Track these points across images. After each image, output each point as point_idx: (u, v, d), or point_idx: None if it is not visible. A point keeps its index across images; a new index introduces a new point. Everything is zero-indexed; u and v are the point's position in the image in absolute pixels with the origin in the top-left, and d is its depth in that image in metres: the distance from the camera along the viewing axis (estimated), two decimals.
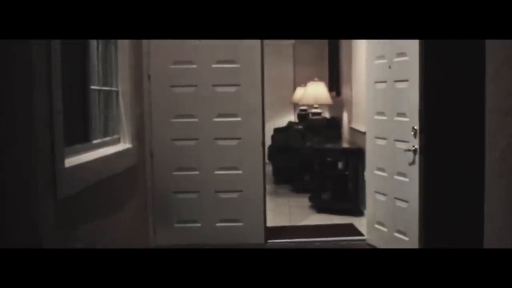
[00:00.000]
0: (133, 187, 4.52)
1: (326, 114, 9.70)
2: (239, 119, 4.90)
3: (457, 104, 3.84)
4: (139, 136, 4.71)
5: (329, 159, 6.51)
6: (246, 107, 4.89)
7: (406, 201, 4.22)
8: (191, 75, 4.88)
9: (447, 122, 3.94)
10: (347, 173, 6.45)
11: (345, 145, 6.66)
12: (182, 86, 4.90)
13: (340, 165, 6.64)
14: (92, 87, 3.86)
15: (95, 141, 3.82)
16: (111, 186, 3.81)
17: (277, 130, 9.68)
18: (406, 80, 4.17)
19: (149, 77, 4.88)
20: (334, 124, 8.29)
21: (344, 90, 7.90)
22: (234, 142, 4.92)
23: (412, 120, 4.08)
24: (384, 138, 4.54)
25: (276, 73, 10.71)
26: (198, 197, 4.95)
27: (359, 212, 6.03)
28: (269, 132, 10.40)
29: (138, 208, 4.61)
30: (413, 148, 4.06)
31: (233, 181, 4.93)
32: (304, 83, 9.53)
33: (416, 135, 4.03)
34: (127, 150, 4.31)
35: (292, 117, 10.77)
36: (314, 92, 7.38)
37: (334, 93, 8.42)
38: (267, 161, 9.24)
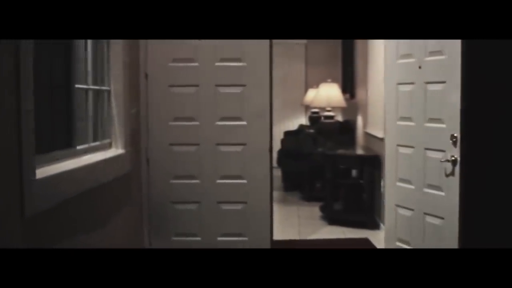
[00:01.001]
0: (126, 197, 4.08)
1: (339, 118, 9.23)
2: (244, 122, 4.44)
3: (503, 109, 3.38)
4: (134, 140, 4.27)
5: (342, 166, 6.03)
6: (252, 109, 4.43)
7: (441, 218, 3.73)
8: (192, 74, 4.43)
9: (491, 129, 3.46)
10: (361, 181, 5.97)
11: (359, 151, 6.19)
12: (182, 86, 4.45)
13: (354, 173, 6.17)
14: (78, 85, 3.43)
15: (80, 147, 3.38)
16: (98, 197, 3.37)
17: (287, 134, 9.23)
18: (443, 82, 3.68)
19: (146, 75, 4.44)
20: (348, 128, 7.81)
21: (359, 92, 7.42)
22: (239, 148, 4.46)
23: (451, 126, 3.60)
24: (411, 146, 4.06)
25: (287, 73, 10.29)
26: (198, 208, 4.50)
27: (374, 225, 5.55)
28: (278, 136, 9.95)
29: (131, 220, 4.16)
30: (452, 159, 3.58)
31: (237, 191, 4.47)
32: (316, 84, 9.11)
33: (456, 144, 3.55)
34: (119, 156, 3.87)
35: (304, 120, 10.32)
36: (327, 94, 6.91)
37: (348, 95, 7.95)
38: (275, 165, 8.83)
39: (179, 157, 4.48)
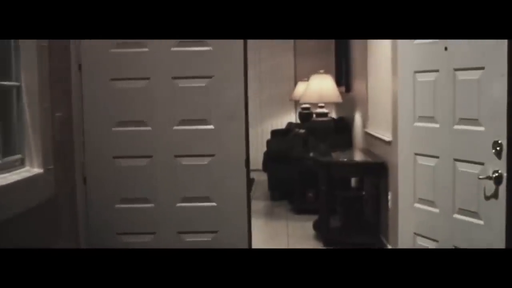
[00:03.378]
0: (52, 232, 2.99)
1: (333, 114, 8.16)
2: (211, 127, 3.35)
3: None
4: (62, 154, 3.17)
5: (338, 175, 4.95)
6: (222, 109, 3.34)
7: None
8: (141, 63, 3.34)
9: None
10: (363, 193, 4.90)
11: (359, 156, 5.10)
12: (128, 79, 3.35)
13: (353, 181, 5.10)
14: None
15: None
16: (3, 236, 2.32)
17: (274, 134, 8.17)
18: (480, 68, 2.63)
19: (79, 66, 3.34)
20: (343, 127, 6.74)
21: (356, 85, 6.34)
22: (205, 161, 3.37)
23: (493, 130, 2.56)
24: (434, 156, 3.00)
25: (273, 65, 9.24)
26: (153, 241, 3.40)
27: None
28: (265, 136, 8.90)
29: None
30: (495, 175, 2.52)
31: (204, 218, 3.39)
32: (306, 77, 8.07)
33: (500, 154, 2.49)
34: (34, 177, 2.79)
35: (293, 117, 9.24)
36: (319, 88, 5.81)
37: (343, 89, 6.86)
38: (260, 170, 7.74)
39: (127, 173, 3.39)
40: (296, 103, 8.89)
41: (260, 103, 9.32)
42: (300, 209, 6.10)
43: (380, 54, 4.68)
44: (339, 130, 6.37)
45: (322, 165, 4.70)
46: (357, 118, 6.23)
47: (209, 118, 3.35)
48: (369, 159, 4.64)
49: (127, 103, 3.36)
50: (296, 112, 9.13)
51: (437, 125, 2.96)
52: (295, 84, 8.90)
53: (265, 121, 9.33)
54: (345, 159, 4.77)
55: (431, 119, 3.00)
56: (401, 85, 3.30)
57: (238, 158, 3.36)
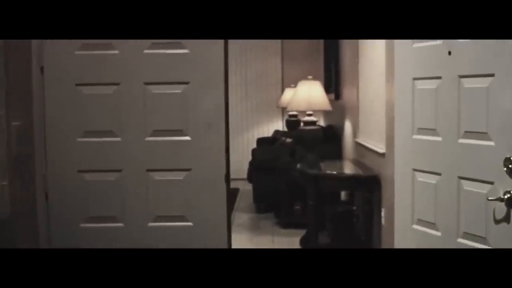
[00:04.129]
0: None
1: (321, 122, 7.87)
2: (187, 138, 3.02)
3: None
4: (20, 167, 2.83)
5: (327, 189, 4.63)
6: (200, 118, 3.01)
7: None
8: (110, 67, 3.00)
9: None
10: (354, 208, 4.59)
11: (349, 169, 4.79)
12: (96, 84, 3.01)
13: (343, 195, 4.79)
14: None
15: None
16: None
17: (260, 142, 7.86)
18: (489, 75, 2.33)
19: (41, 69, 3.00)
20: (332, 135, 6.44)
21: (346, 92, 6.05)
22: (180, 176, 3.03)
23: (504, 144, 2.26)
24: (435, 173, 2.69)
25: (260, 69, 8.95)
26: None
27: None
28: (251, 144, 8.59)
29: None
30: (507, 196, 2.22)
31: (179, 239, 3.04)
32: (294, 83, 7.79)
33: None
34: None
35: (280, 125, 8.93)
36: (307, 95, 5.50)
37: (332, 96, 6.57)
38: (245, 179, 7.41)
39: (93, 189, 3.04)
40: (283, 110, 8.59)
41: (246, 109, 9.01)
42: (286, 223, 5.78)
43: (373, 58, 4.39)
44: (328, 139, 6.07)
45: (310, 178, 4.38)
46: (347, 127, 5.93)
47: (185, 129, 3.01)
48: (361, 172, 4.33)
49: (95, 111, 3.02)
50: (283, 119, 8.83)
51: (439, 139, 2.65)
52: (282, 90, 8.60)
53: (251, 129, 9.02)
54: (335, 172, 4.45)
55: (432, 131, 2.69)
56: (398, 93, 2.98)
57: (218, 173, 3.03)
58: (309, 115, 5.67)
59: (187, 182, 3.02)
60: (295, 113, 7.27)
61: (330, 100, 5.88)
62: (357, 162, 4.87)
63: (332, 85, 6.82)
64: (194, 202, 3.03)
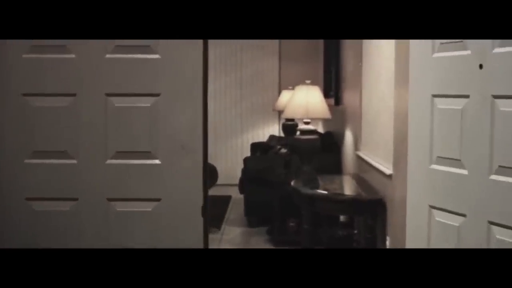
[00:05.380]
0: None
1: (319, 128, 7.36)
2: (156, 161, 2.50)
3: None
4: None
5: (324, 212, 4.10)
6: (173, 138, 2.50)
7: None
8: (64, 74, 2.49)
9: None
10: (355, 232, 4.08)
11: (350, 188, 4.26)
12: (47, 95, 2.50)
13: (341, 218, 4.29)
14: None
15: None
16: None
17: (254, 147, 7.34)
18: None
19: None
20: (331, 144, 5.92)
21: (348, 97, 5.54)
22: (148, 207, 2.52)
23: None
24: (459, 214, 2.19)
25: (256, 70, 8.46)
26: None
27: None
28: (245, 149, 8.09)
29: None
30: None
31: None
32: (291, 85, 7.30)
33: None
34: None
35: (276, 128, 8.42)
36: (305, 101, 4.99)
37: (331, 101, 6.06)
38: (231, 186, 6.89)
39: (44, 221, 2.53)
40: (280, 113, 8.08)
41: (241, 112, 8.50)
42: (279, 240, 5.27)
43: (379, 62, 3.87)
44: (326, 148, 5.56)
45: (305, 198, 3.86)
46: (348, 137, 5.41)
47: (154, 150, 2.50)
48: (363, 194, 3.81)
49: (46, 127, 2.50)
50: (279, 123, 8.32)
51: (465, 172, 2.14)
52: (279, 92, 8.08)
53: (245, 132, 8.51)
54: (334, 192, 3.93)
55: (456, 162, 2.18)
56: (413, 110, 2.47)
57: (193, 204, 2.51)
58: (307, 123, 5.16)
59: (156, 214, 2.50)
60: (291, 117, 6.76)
61: (330, 106, 5.37)
62: (358, 179, 4.35)
63: (332, 89, 6.30)
64: (163, 238, 2.51)
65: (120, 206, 2.52)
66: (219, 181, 6.33)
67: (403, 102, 2.81)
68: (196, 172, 2.50)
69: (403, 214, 2.67)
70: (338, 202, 3.71)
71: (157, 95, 2.48)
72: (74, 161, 2.50)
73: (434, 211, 2.31)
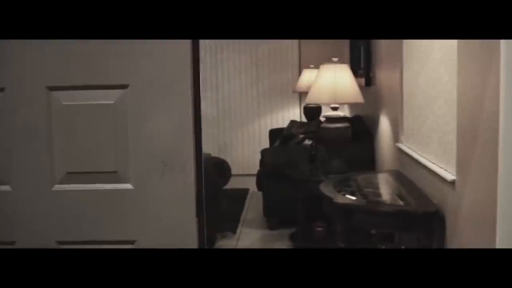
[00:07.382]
0: None
1: (345, 111, 6.52)
2: (127, 185, 1.70)
3: None
4: None
5: (367, 226, 3.25)
6: (149, 150, 1.68)
7: None
8: None
9: None
10: (402, 248, 3.24)
11: (393, 194, 3.40)
12: None
13: (396, 239, 3.46)
14: None
15: None
16: None
17: (273, 134, 6.55)
18: None
19: None
20: (362, 132, 5.06)
21: (383, 76, 4.66)
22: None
23: None
24: None
25: (272, 49, 7.62)
26: None
27: None
28: (262, 136, 7.32)
29: None
30: None
31: None
32: (314, 63, 6.47)
33: None
34: None
35: (297, 112, 7.59)
36: (332, 83, 4.15)
37: (361, 81, 5.19)
38: (248, 176, 6.09)
39: None
40: (301, 95, 7.25)
41: (257, 94, 7.68)
42: (306, 242, 4.48)
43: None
44: (356, 137, 4.69)
45: (340, 209, 3.02)
46: (384, 124, 4.55)
47: (122, 169, 1.69)
48: (413, 203, 2.95)
49: None
50: (300, 106, 7.48)
51: None
52: (300, 71, 7.25)
53: (263, 117, 7.69)
54: (374, 200, 3.09)
55: None
56: (507, 105, 1.63)
57: (182, 245, 1.71)
58: (335, 108, 4.33)
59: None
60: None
61: (360, 87, 4.50)
62: (401, 179, 3.48)
63: (362, 68, 5.42)
64: None
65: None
66: (234, 171, 5.58)
67: (473, 91, 1.99)
68: (188, 200, 1.69)
69: (475, 233, 1.91)
70: (383, 215, 2.87)
71: (125, 86, 1.67)
72: (7, 188, 1.71)
73: None
